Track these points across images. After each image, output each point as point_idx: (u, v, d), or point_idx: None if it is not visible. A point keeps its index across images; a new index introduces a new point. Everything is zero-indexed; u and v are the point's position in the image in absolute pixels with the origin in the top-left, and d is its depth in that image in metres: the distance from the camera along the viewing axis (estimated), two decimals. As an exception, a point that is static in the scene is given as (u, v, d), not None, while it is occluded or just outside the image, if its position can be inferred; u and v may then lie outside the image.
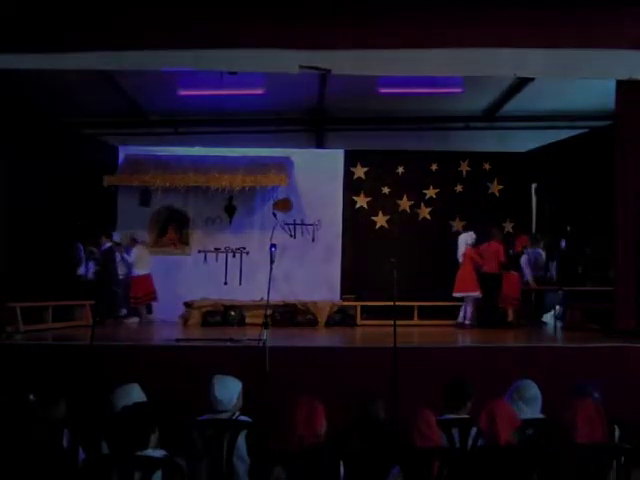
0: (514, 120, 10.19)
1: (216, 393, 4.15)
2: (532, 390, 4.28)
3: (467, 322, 9.77)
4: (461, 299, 10.01)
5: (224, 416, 4.07)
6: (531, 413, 4.12)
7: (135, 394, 4.23)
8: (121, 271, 10.33)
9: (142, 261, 10.34)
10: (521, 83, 8.27)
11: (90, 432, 3.79)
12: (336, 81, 7.88)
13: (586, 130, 10.02)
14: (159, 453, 3.41)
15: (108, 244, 10.15)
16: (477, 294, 9.75)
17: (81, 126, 10.27)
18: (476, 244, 9.98)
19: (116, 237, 10.35)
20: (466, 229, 11.13)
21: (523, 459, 3.51)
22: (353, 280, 11.15)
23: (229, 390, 4.19)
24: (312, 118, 10.34)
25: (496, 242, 9.96)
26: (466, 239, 10.04)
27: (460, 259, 9.97)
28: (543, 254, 10.46)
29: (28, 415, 3.97)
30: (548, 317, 10.20)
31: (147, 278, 10.32)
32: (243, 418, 4.10)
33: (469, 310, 9.83)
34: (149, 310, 10.53)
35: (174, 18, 6.72)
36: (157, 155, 11.12)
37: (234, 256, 11.19)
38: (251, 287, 10.45)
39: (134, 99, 9.37)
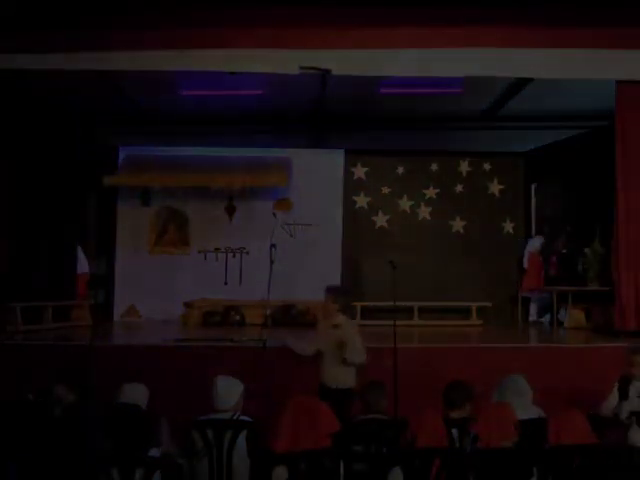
0: (514, 120, 10.18)
1: (217, 393, 4.16)
2: (519, 383, 4.29)
3: (538, 319, 10.49)
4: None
5: (224, 416, 4.08)
6: (521, 407, 4.12)
7: (139, 394, 4.26)
8: None
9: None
10: (521, 83, 8.25)
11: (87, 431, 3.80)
12: (336, 81, 7.88)
13: (586, 130, 10.02)
14: (158, 453, 3.42)
15: None
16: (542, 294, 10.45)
17: (81, 126, 10.26)
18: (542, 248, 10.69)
19: None
20: (465, 228, 11.27)
21: (522, 459, 3.51)
22: (353, 280, 11.14)
23: (230, 390, 4.20)
24: (312, 118, 10.33)
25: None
26: (534, 243, 10.76)
27: (525, 264, 10.67)
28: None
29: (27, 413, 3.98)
30: (547, 317, 10.23)
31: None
32: (243, 418, 4.10)
33: (535, 308, 10.61)
34: None
35: (174, 18, 6.73)
36: (157, 155, 11.11)
37: (234, 256, 11.18)
38: (251, 287, 10.44)
39: (134, 99, 9.37)
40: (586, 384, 6.17)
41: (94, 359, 5.36)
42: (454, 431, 3.89)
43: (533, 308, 10.66)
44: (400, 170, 11.48)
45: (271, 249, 6.60)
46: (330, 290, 5.61)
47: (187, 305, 10.30)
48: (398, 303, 6.08)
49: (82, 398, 4.45)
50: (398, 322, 5.73)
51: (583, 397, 5.86)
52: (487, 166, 11.56)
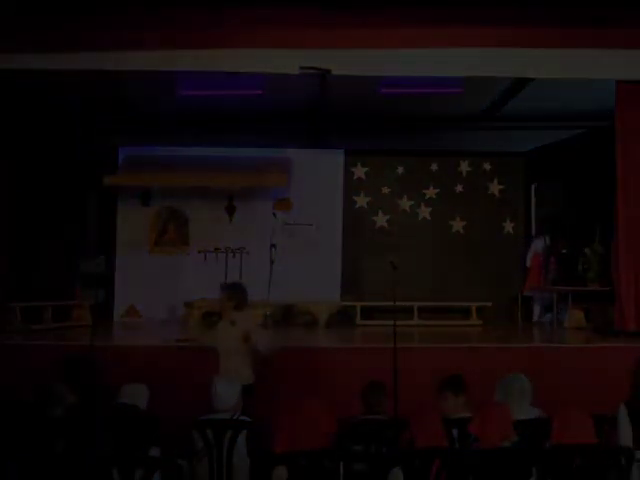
0: (514, 120, 10.20)
1: (216, 393, 4.17)
2: (520, 383, 4.29)
3: (540, 319, 10.56)
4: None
5: (224, 416, 4.08)
6: (521, 406, 4.12)
7: (139, 394, 4.26)
8: None
9: None
10: (521, 83, 8.26)
11: (90, 432, 3.80)
12: (336, 81, 7.88)
13: (586, 130, 10.02)
14: (158, 453, 3.42)
15: None
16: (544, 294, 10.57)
17: (81, 126, 10.26)
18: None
19: None
20: (465, 228, 11.29)
21: (522, 459, 3.51)
22: (353, 280, 11.15)
23: (229, 390, 4.21)
24: (312, 118, 10.33)
25: None
26: (538, 243, 10.73)
27: (528, 263, 10.71)
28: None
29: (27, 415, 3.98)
30: (547, 317, 10.24)
31: None
32: (243, 418, 4.11)
33: (538, 309, 10.65)
34: None
35: (174, 18, 6.72)
36: (157, 155, 11.11)
37: (234, 256, 11.15)
38: (251, 287, 10.41)
39: (134, 99, 9.37)
40: (586, 384, 6.18)
41: (95, 359, 5.36)
42: (454, 431, 3.90)
43: (536, 308, 10.67)
44: (400, 170, 11.48)
45: (271, 249, 6.59)
46: (224, 287, 5.59)
47: (187, 305, 10.29)
48: (398, 303, 6.07)
49: (84, 398, 4.45)
50: (398, 322, 5.72)
51: (583, 397, 5.86)
52: (487, 166, 11.57)
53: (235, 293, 5.48)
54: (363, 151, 11.44)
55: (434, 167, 11.51)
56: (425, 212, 11.49)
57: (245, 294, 5.51)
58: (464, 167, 11.54)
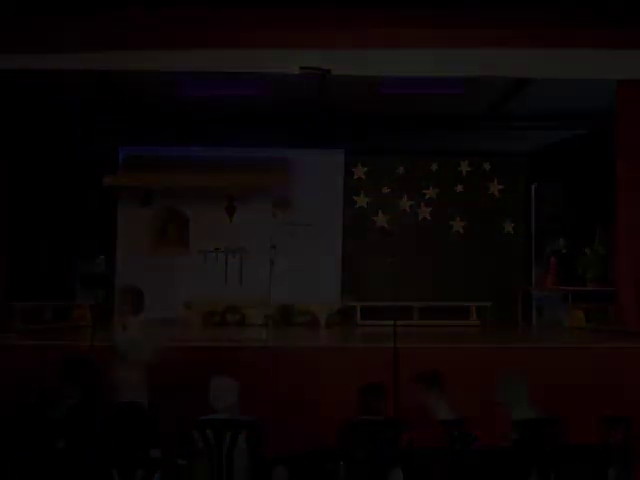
0: (514, 120, 10.22)
1: (214, 393, 4.17)
2: (517, 383, 4.30)
3: (542, 320, 10.59)
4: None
5: (224, 416, 4.08)
6: (519, 406, 4.13)
7: (141, 394, 4.27)
8: None
9: None
10: (521, 83, 8.26)
11: (90, 432, 3.80)
12: (336, 81, 7.88)
13: (586, 130, 10.02)
14: (158, 453, 3.42)
15: None
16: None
17: (81, 126, 10.26)
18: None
19: None
20: (465, 228, 11.27)
21: (522, 459, 3.51)
22: (353, 280, 11.15)
23: (226, 390, 4.21)
24: (312, 118, 10.34)
25: None
26: (552, 247, 10.64)
27: (548, 265, 10.58)
28: None
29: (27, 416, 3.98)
30: (549, 317, 10.24)
31: None
32: (243, 418, 4.11)
33: (542, 308, 10.66)
34: None
35: (174, 18, 6.72)
36: (157, 155, 11.10)
37: (234, 256, 11.17)
38: (251, 287, 10.44)
39: (134, 99, 9.38)
40: (586, 384, 6.18)
41: (95, 359, 5.36)
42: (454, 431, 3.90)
43: (536, 308, 10.67)
44: (400, 170, 11.48)
45: (271, 249, 6.59)
46: (120, 291, 5.44)
47: (187, 305, 10.29)
48: (398, 303, 6.08)
49: (84, 398, 4.45)
50: (398, 322, 5.73)
51: (583, 397, 5.87)
52: (487, 166, 11.57)
53: (129, 297, 5.33)
54: (363, 151, 11.44)
55: (434, 167, 11.52)
56: (425, 212, 11.49)
57: (140, 298, 5.35)
58: (464, 167, 11.54)
